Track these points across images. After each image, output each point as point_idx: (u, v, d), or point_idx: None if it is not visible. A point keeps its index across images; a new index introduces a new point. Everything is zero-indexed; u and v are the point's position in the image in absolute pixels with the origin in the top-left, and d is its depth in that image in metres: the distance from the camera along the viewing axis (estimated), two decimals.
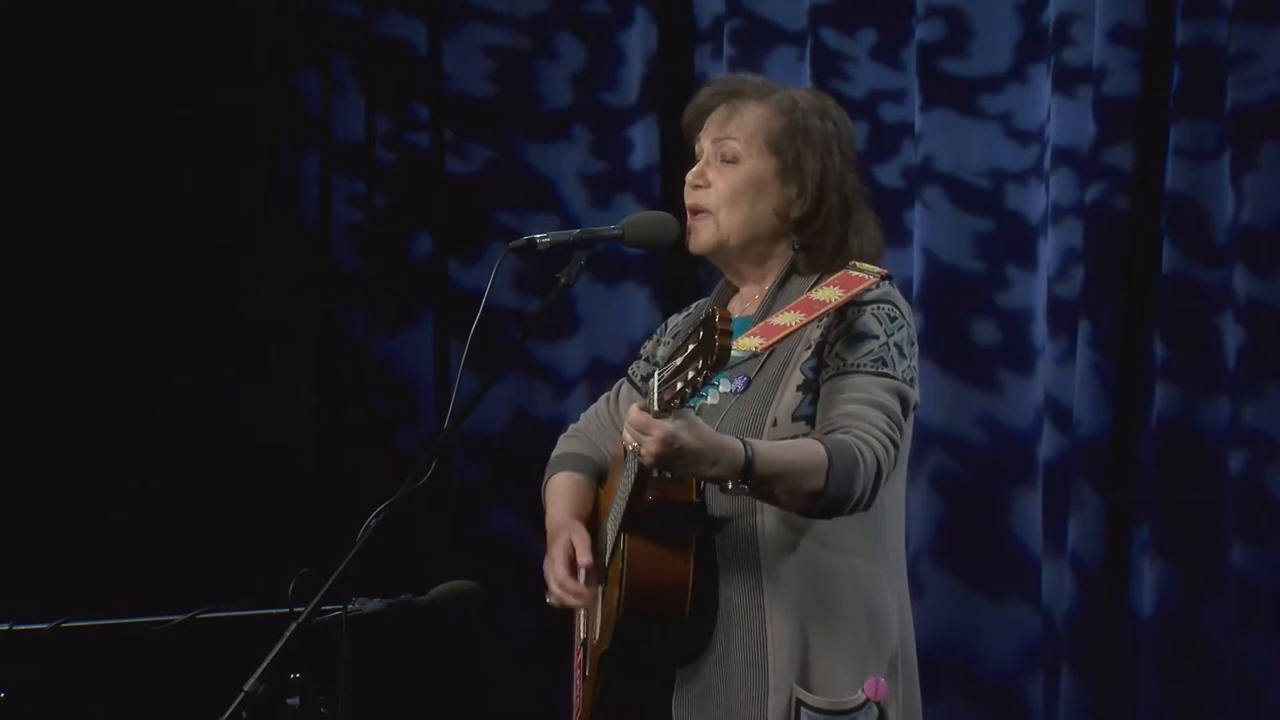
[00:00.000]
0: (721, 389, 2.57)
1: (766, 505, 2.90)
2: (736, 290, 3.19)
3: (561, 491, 3.23)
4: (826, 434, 2.86)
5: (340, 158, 5.29)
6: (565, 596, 3.03)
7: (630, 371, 3.35)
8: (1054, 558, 4.52)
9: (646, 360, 3.31)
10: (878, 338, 2.94)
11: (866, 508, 2.87)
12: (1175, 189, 4.43)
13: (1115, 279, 4.50)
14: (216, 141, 5.11)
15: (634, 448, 2.71)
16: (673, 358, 2.63)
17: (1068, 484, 4.50)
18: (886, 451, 2.86)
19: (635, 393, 3.31)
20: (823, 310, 2.85)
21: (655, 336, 3.33)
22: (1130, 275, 4.50)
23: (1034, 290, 4.67)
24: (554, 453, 3.34)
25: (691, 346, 2.59)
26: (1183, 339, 4.43)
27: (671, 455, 2.69)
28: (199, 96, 5.08)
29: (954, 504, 4.68)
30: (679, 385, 2.60)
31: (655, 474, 2.80)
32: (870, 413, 2.87)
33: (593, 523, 3.18)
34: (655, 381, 2.66)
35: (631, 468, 2.86)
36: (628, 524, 2.88)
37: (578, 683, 3.25)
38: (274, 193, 5.24)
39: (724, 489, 2.79)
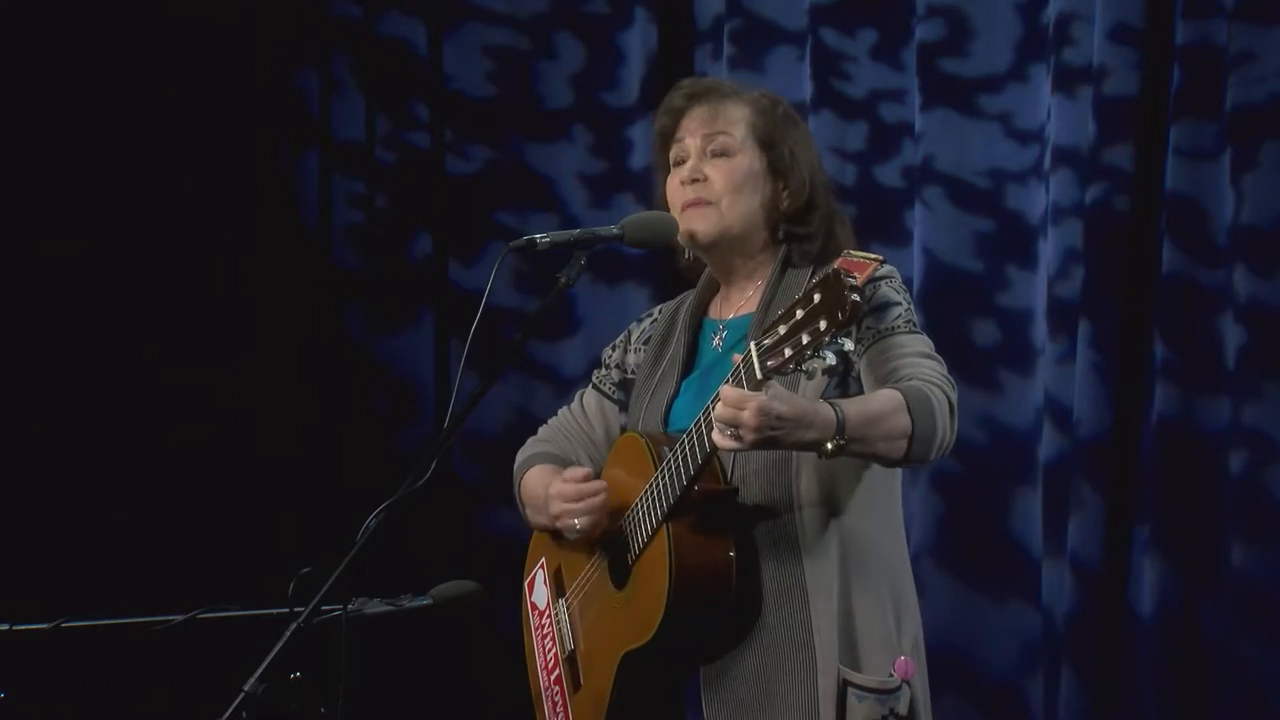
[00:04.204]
0: (847, 348, 2.56)
1: (802, 488, 2.93)
2: (718, 289, 3.20)
3: (540, 475, 3.23)
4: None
5: (340, 158, 5.29)
6: (593, 503, 3.03)
7: (596, 381, 3.35)
8: (1054, 558, 4.52)
9: (617, 368, 3.31)
10: (900, 304, 3.01)
11: (949, 449, 2.90)
12: (1175, 189, 4.43)
13: (1115, 279, 4.50)
14: (216, 141, 5.11)
15: (730, 431, 2.71)
16: (773, 325, 2.63)
17: (1068, 484, 4.50)
18: (952, 388, 2.91)
19: (605, 401, 3.31)
20: (864, 276, 2.85)
21: (620, 345, 3.33)
22: (1130, 275, 4.50)
23: (1034, 290, 4.67)
24: (521, 456, 3.34)
25: (801, 311, 2.58)
26: (1183, 339, 4.43)
27: (770, 426, 2.70)
28: (199, 96, 5.08)
29: (954, 504, 4.68)
30: (788, 352, 2.60)
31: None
32: (923, 361, 2.94)
33: (570, 540, 3.18)
34: (753, 352, 2.66)
35: (682, 458, 2.86)
36: (672, 516, 2.90)
37: (557, 700, 3.22)
38: (274, 193, 5.24)
39: (822, 453, 2.79)
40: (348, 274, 5.27)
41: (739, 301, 3.15)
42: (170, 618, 2.94)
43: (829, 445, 2.77)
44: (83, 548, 4.76)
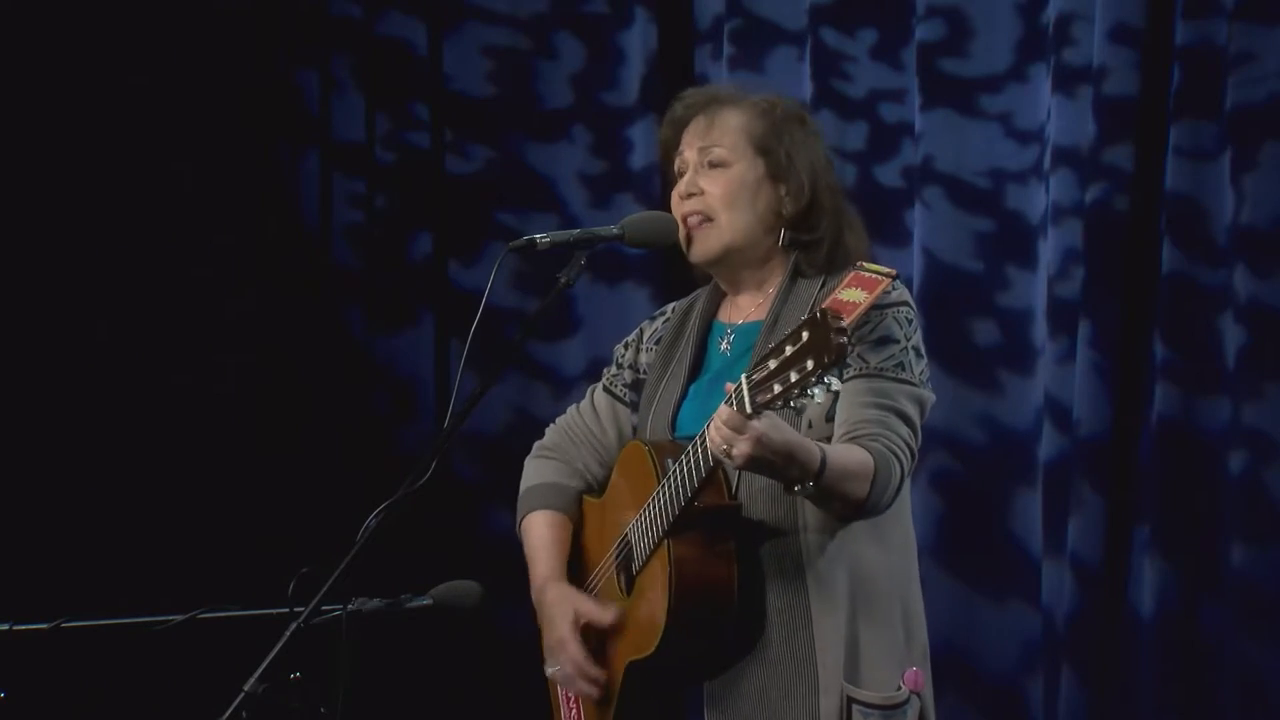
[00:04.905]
0: (834, 388, 2.57)
1: (808, 507, 2.93)
2: (725, 295, 3.19)
3: (540, 542, 3.22)
4: (854, 439, 2.90)
5: (340, 158, 5.28)
6: (581, 680, 3.05)
7: (607, 382, 3.33)
8: (1054, 558, 4.52)
9: (630, 368, 3.30)
10: (898, 342, 2.98)
11: (880, 514, 2.93)
12: (1175, 189, 4.43)
13: (1115, 279, 4.50)
14: (216, 141, 5.11)
15: (723, 450, 2.72)
16: (763, 359, 2.63)
17: (1068, 484, 4.49)
18: (911, 463, 2.95)
19: (617, 404, 3.30)
20: (858, 313, 2.87)
21: (632, 344, 3.32)
22: (1130, 275, 4.50)
23: (1034, 290, 4.67)
24: (527, 480, 3.32)
25: (790, 348, 2.58)
26: (1183, 339, 4.43)
27: (762, 456, 2.72)
28: (199, 97, 5.08)
29: (954, 504, 4.68)
30: (777, 388, 2.60)
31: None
32: (895, 422, 2.93)
33: (576, 546, 3.21)
34: (744, 384, 2.66)
35: (684, 475, 2.86)
36: (674, 531, 2.90)
37: (571, 694, 3.22)
38: (274, 193, 5.24)
39: (791, 490, 2.82)
40: (348, 274, 5.27)
41: (748, 308, 3.14)
42: (170, 618, 2.94)
43: (798, 487, 2.80)
44: (83, 548, 4.76)
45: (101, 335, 4.94)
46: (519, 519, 3.29)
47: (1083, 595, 4.45)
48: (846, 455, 2.86)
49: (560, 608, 3.10)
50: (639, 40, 5.17)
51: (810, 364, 2.55)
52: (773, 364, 2.61)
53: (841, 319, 2.55)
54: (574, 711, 3.21)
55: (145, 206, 5.03)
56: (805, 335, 2.56)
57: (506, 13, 5.30)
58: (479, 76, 5.31)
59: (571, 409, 3.37)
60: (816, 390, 2.56)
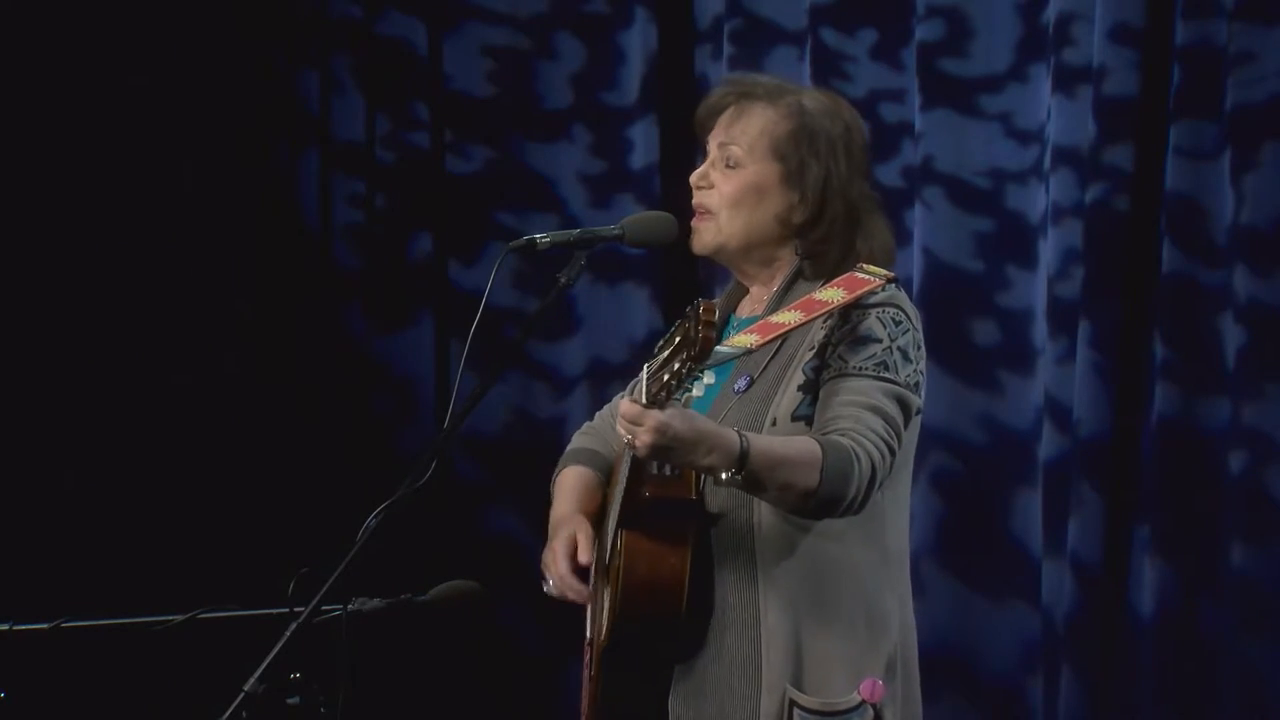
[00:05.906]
0: (706, 381, 2.57)
1: (763, 504, 2.89)
2: (747, 291, 3.19)
3: (568, 487, 3.22)
4: (823, 434, 2.85)
5: (340, 158, 5.28)
6: (565, 591, 3.06)
7: (645, 369, 3.35)
8: (1054, 558, 4.52)
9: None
10: (880, 341, 2.93)
11: (858, 511, 2.86)
12: (1175, 189, 4.43)
13: (1115, 279, 4.50)
14: (216, 141, 5.12)
15: (628, 440, 2.72)
16: (660, 350, 2.64)
17: (1068, 484, 4.50)
18: (883, 457, 2.85)
19: None
20: (824, 310, 2.85)
21: (668, 337, 3.33)
22: (1130, 275, 4.51)
23: (1034, 290, 4.67)
24: (568, 448, 3.34)
25: (678, 339, 2.59)
26: (1183, 339, 4.43)
27: (665, 445, 2.69)
28: (199, 96, 5.08)
29: (954, 504, 4.68)
30: (665, 378, 2.60)
31: (654, 468, 2.82)
32: (868, 417, 2.86)
33: (598, 520, 3.19)
34: (644, 374, 2.67)
35: (627, 463, 2.86)
36: (625, 521, 2.87)
37: (586, 684, 3.24)
38: (274, 193, 5.24)
39: (718, 480, 2.78)
40: (348, 274, 5.27)
41: (754, 304, 3.14)
42: (170, 618, 2.94)
43: (725, 475, 2.75)
44: (83, 548, 4.76)
45: (102, 335, 4.94)
46: (555, 472, 3.30)
47: (1083, 595, 4.46)
48: (783, 444, 2.81)
49: (563, 530, 3.10)
50: (639, 40, 5.17)
51: (685, 355, 2.56)
52: (665, 354, 2.62)
53: (713, 312, 2.54)
54: (585, 690, 3.22)
55: (145, 206, 5.03)
56: (686, 326, 2.57)
57: (506, 13, 5.30)
58: (479, 76, 5.31)
59: (617, 396, 3.39)
60: (693, 382, 2.57)
